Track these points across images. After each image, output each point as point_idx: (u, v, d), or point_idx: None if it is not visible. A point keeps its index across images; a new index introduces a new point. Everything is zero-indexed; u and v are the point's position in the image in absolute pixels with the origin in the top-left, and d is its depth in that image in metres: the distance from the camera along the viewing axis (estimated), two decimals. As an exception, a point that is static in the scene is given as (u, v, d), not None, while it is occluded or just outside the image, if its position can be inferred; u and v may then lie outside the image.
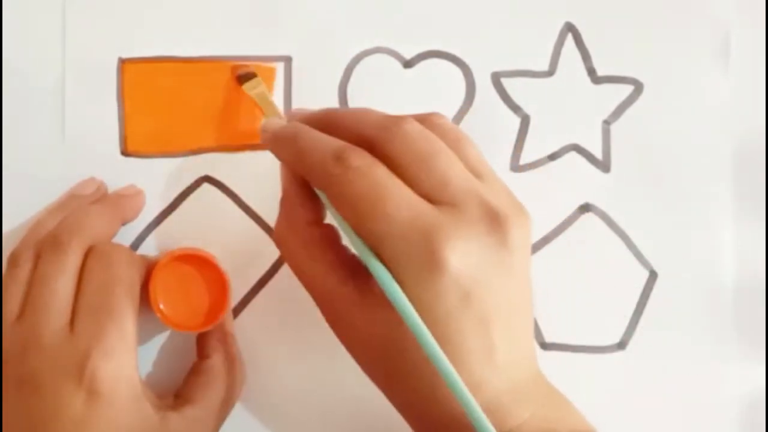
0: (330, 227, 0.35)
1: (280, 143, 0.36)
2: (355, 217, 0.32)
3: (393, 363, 0.33)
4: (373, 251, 0.32)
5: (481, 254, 0.32)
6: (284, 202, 0.36)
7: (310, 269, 0.34)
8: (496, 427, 0.31)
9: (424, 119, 0.34)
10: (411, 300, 0.31)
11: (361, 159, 0.32)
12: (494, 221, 0.32)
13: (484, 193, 0.33)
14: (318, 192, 0.34)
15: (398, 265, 0.31)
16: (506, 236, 0.32)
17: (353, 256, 0.34)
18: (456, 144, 0.34)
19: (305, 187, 0.35)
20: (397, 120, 0.34)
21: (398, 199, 0.32)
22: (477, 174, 0.34)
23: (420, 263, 0.31)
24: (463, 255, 0.31)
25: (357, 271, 0.34)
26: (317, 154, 0.33)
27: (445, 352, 0.31)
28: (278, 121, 0.37)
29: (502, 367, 0.32)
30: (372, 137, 0.33)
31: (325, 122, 0.35)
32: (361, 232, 0.32)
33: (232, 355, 0.39)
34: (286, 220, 0.35)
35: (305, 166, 0.34)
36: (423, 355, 0.31)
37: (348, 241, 0.33)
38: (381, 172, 0.32)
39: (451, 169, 0.33)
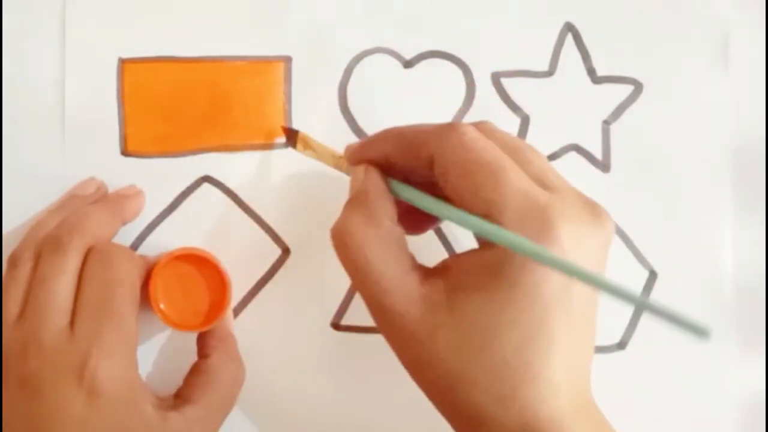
0: (403, 231, 0.34)
1: (372, 141, 0.36)
2: (469, 185, 0.32)
3: (476, 360, 0.31)
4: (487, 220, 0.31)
5: (586, 237, 0.32)
6: (361, 200, 0.34)
7: (388, 267, 0.33)
8: None
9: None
10: (520, 279, 0.31)
11: (475, 131, 0.33)
12: (594, 209, 0.33)
13: (577, 191, 0.33)
14: (401, 187, 0.34)
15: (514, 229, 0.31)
16: (604, 224, 0.33)
17: (420, 263, 0.34)
18: (531, 150, 0.34)
19: (388, 190, 0.35)
20: (479, 121, 0.35)
21: (516, 172, 0.32)
22: (559, 174, 0.34)
23: (536, 234, 0.30)
24: (572, 233, 0.31)
25: (432, 273, 0.33)
26: (424, 128, 0.34)
27: (538, 346, 0.31)
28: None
29: (574, 379, 0.32)
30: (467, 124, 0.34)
31: (407, 126, 0.35)
32: (473, 201, 0.32)
33: (232, 355, 0.39)
34: (364, 217, 0.34)
35: (411, 141, 0.34)
36: (516, 350, 0.30)
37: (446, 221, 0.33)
38: (494, 145, 0.33)
39: (543, 161, 0.34)
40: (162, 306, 0.38)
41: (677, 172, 0.43)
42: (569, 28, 0.43)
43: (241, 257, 0.41)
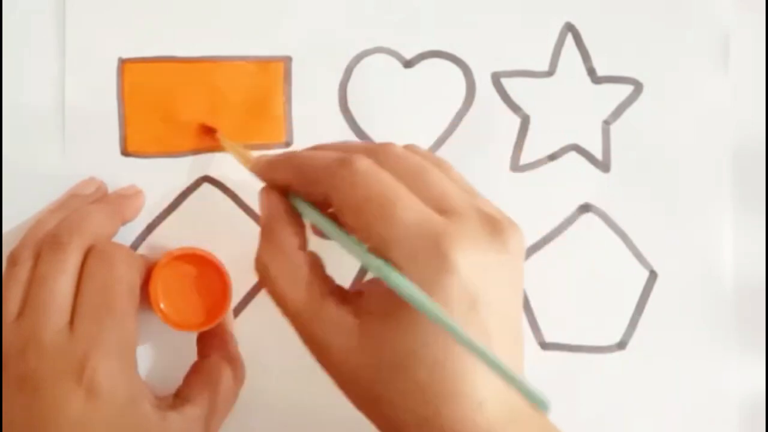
0: (315, 254, 0.35)
1: (276, 164, 0.36)
2: (362, 221, 0.32)
3: (392, 383, 0.31)
4: (380, 256, 0.31)
5: (486, 259, 0.31)
6: (267, 230, 0.35)
7: (300, 296, 0.33)
8: None
9: (408, 144, 0.35)
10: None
11: (366, 164, 0.32)
12: (495, 228, 0.32)
13: (480, 206, 0.33)
14: (304, 209, 0.34)
15: (408, 269, 0.31)
16: (506, 242, 0.32)
17: (338, 284, 0.35)
18: (439, 164, 0.34)
19: (292, 214, 0.35)
20: (382, 143, 0.34)
21: (407, 203, 0.32)
22: (467, 188, 0.34)
23: (430, 267, 0.30)
24: (470, 259, 0.31)
25: (347, 297, 0.34)
26: (319, 162, 0.33)
27: (453, 365, 0.30)
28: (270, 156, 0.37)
29: (502, 388, 0.31)
30: (364, 152, 0.33)
31: (313, 149, 0.36)
32: (367, 237, 0.32)
33: (232, 355, 0.39)
34: (271, 248, 0.34)
35: (307, 175, 0.34)
36: (429, 372, 0.30)
37: (346, 252, 0.33)
38: (387, 176, 0.32)
39: (443, 182, 0.33)
40: (162, 306, 0.38)
41: (677, 171, 0.43)
42: (569, 28, 0.43)
43: (241, 257, 0.41)
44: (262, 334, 0.41)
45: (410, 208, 0.32)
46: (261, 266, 0.35)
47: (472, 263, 0.31)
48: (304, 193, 0.34)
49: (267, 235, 0.35)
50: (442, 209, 0.32)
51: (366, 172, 0.32)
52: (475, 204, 0.33)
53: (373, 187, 0.32)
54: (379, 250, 0.31)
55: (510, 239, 0.32)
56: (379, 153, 0.33)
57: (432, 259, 0.30)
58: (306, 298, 0.33)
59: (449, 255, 0.30)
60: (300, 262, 0.34)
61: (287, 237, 0.34)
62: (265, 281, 0.34)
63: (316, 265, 0.34)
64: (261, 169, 0.36)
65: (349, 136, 0.42)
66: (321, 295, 0.33)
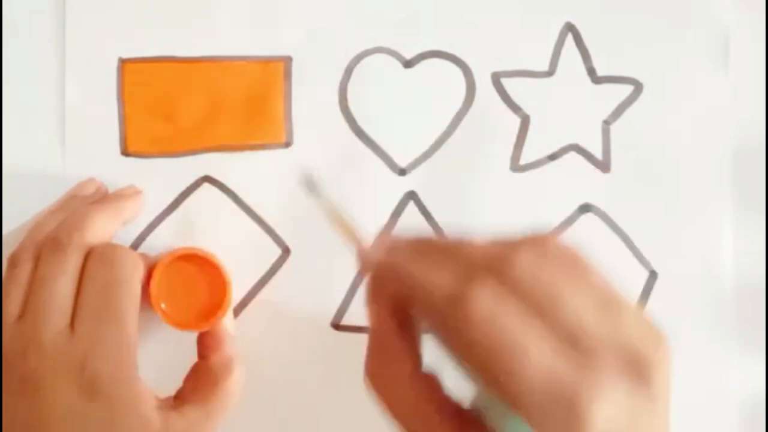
0: (432, 376, 0.31)
1: (381, 278, 0.31)
2: (483, 371, 0.28)
3: None
4: (506, 406, 0.28)
5: (626, 411, 0.28)
6: (377, 347, 0.31)
7: (414, 425, 0.30)
8: None
9: (534, 242, 0.30)
10: None
11: (484, 306, 0.28)
12: (637, 371, 0.28)
13: (621, 335, 0.28)
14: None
15: (538, 428, 0.27)
16: (650, 384, 0.28)
17: (458, 404, 0.31)
18: (575, 270, 0.29)
19: (405, 330, 0.31)
20: (512, 249, 0.29)
21: (533, 354, 0.27)
22: (606, 304, 0.29)
23: (563, 427, 0.27)
24: (608, 417, 0.27)
25: (467, 420, 0.30)
26: (436, 292, 0.29)
27: None
28: (377, 250, 0.32)
29: None
30: (487, 269, 0.29)
31: (425, 251, 0.31)
32: (485, 384, 0.28)
33: (232, 356, 0.39)
34: (382, 367, 0.31)
35: (416, 302, 0.30)
36: None
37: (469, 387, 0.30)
38: (512, 319, 0.28)
39: (579, 310, 0.28)
40: (163, 306, 0.38)
41: (677, 171, 0.43)
42: (569, 28, 0.43)
43: (241, 257, 0.41)
44: (262, 334, 0.41)
45: (538, 361, 0.27)
46: (370, 383, 0.31)
47: (609, 421, 0.27)
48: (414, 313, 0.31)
49: (377, 352, 0.31)
50: (576, 347, 0.28)
51: (483, 319, 0.28)
52: (616, 336, 0.28)
53: (492, 336, 0.27)
54: (504, 401, 0.28)
55: (654, 377, 0.28)
56: (505, 271, 0.28)
57: (565, 421, 0.27)
58: (420, 426, 0.30)
59: (584, 416, 0.27)
60: (413, 387, 0.30)
61: (400, 359, 0.30)
62: (378, 400, 0.31)
63: (432, 387, 0.31)
64: (369, 272, 0.32)
65: (349, 136, 0.42)
66: (437, 423, 0.30)
